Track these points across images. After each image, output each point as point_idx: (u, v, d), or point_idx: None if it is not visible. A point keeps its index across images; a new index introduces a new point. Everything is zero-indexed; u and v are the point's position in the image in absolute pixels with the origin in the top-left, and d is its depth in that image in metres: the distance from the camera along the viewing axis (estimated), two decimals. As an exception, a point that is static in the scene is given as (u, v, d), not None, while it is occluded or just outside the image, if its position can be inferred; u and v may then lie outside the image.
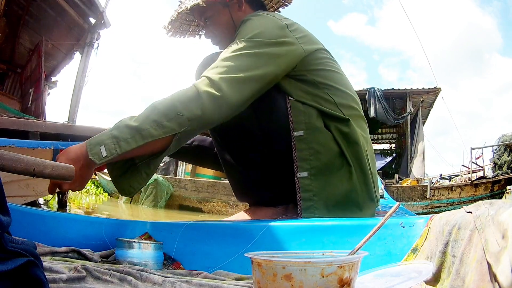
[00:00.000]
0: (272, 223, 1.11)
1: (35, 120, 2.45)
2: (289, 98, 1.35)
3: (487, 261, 0.58)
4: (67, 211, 6.10)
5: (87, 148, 1.07)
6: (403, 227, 0.93)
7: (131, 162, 1.23)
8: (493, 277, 0.55)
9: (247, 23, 1.36)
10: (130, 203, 9.94)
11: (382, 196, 2.52)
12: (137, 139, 1.10)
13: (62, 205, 6.42)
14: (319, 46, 1.43)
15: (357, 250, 0.67)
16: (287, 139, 1.33)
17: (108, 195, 12.78)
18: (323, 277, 0.56)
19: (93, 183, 13.75)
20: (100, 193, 13.04)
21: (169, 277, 0.87)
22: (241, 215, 1.52)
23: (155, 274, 0.87)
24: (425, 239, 0.84)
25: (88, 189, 13.18)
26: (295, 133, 1.33)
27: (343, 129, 1.33)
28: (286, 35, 1.33)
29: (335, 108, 1.36)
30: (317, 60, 1.40)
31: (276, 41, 1.30)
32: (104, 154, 1.07)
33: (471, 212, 0.69)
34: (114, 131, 1.10)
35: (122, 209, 8.82)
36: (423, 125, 13.55)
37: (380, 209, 1.55)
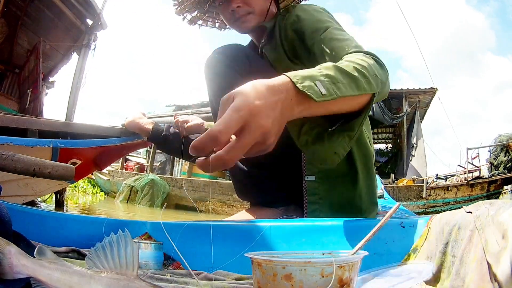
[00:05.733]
0: (272, 223, 1.11)
1: (33, 118, 2.43)
2: None
3: (487, 261, 0.58)
4: (64, 210, 6.11)
5: (293, 79, 0.79)
6: (403, 227, 0.94)
7: (322, 127, 1.07)
8: (493, 277, 0.56)
9: (316, 12, 1.37)
10: (127, 202, 9.95)
11: (382, 196, 2.53)
12: (353, 87, 0.92)
13: (59, 204, 6.43)
14: None
15: (357, 250, 0.68)
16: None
17: (105, 194, 12.80)
18: (323, 277, 0.56)
19: (90, 182, 13.77)
20: (97, 192, 13.05)
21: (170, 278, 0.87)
22: (242, 215, 1.52)
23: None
24: (425, 239, 0.85)
25: (84, 189, 13.19)
26: None
27: None
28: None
29: None
30: None
31: None
32: (323, 91, 0.83)
33: (471, 212, 0.69)
34: (322, 70, 0.89)
35: (119, 208, 8.82)
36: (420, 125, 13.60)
37: (380, 209, 1.55)
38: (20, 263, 0.46)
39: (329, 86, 0.85)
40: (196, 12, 1.65)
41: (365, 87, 0.95)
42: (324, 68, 0.90)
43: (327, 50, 1.23)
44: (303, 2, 1.48)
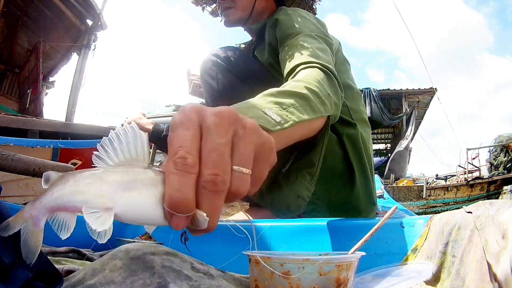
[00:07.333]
0: (272, 223, 1.11)
1: (34, 118, 2.44)
2: None
3: (487, 261, 0.58)
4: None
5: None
6: (403, 227, 0.93)
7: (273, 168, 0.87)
8: (493, 277, 0.56)
9: (297, 17, 1.23)
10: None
11: (382, 196, 2.52)
12: (308, 110, 0.77)
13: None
14: (338, 41, 1.41)
15: (354, 250, 0.68)
16: None
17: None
18: (321, 275, 0.56)
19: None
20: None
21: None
22: (241, 215, 1.51)
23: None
24: (425, 239, 0.85)
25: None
26: None
27: (350, 131, 1.31)
28: (328, 34, 1.25)
29: (345, 111, 1.33)
30: (338, 60, 1.36)
31: (331, 41, 1.21)
32: (276, 118, 0.67)
33: (471, 212, 0.69)
34: (266, 98, 0.73)
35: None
36: (419, 125, 13.62)
37: (380, 209, 1.55)
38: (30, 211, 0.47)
39: (280, 112, 0.69)
40: (215, 4, 1.63)
41: (320, 109, 0.81)
42: (267, 95, 0.74)
43: (284, 58, 1.11)
44: (295, 8, 1.42)
